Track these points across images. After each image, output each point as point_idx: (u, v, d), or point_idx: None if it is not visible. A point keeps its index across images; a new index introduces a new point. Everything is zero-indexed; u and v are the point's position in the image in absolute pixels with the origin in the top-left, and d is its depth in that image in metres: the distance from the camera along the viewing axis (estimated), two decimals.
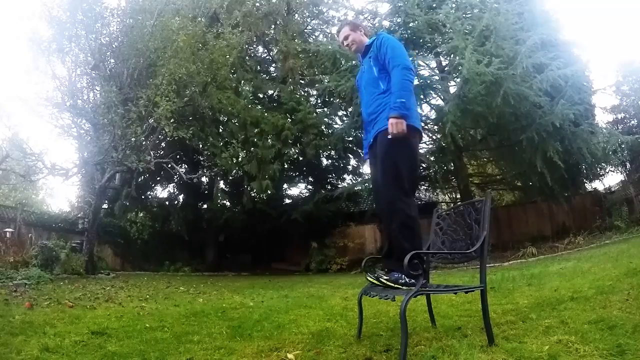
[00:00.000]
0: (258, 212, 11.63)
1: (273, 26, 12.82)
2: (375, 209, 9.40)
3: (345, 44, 2.58)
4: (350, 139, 11.62)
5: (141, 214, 12.62)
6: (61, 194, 39.40)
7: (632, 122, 13.19)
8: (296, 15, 13.55)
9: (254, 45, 13.95)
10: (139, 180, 11.76)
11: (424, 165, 11.03)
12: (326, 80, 10.47)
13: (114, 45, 8.40)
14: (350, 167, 14.05)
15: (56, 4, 7.98)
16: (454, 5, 8.97)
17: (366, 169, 13.52)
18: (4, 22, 30.34)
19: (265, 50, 14.37)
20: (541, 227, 10.71)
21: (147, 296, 4.77)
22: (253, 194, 11.64)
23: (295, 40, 11.92)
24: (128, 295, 4.74)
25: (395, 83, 2.18)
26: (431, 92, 10.02)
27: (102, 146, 7.81)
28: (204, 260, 12.45)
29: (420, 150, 10.39)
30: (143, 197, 12.61)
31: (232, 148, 9.98)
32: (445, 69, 10.25)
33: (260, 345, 2.19)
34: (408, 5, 9.35)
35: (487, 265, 1.92)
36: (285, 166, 12.13)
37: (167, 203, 13.16)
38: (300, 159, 12.31)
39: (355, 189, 12.09)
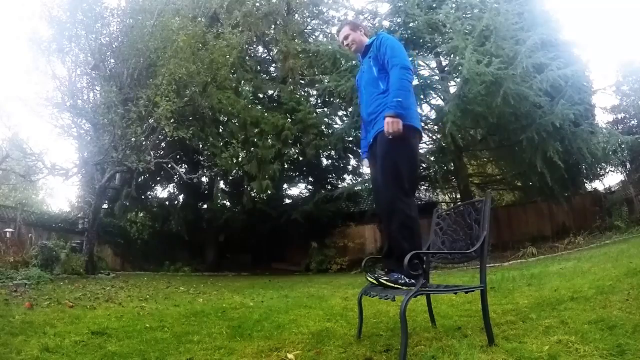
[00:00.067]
0: (258, 212, 11.63)
1: (273, 26, 12.81)
2: (375, 209, 9.41)
3: (345, 44, 2.58)
4: (350, 139, 11.62)
5: (141, 214, 12.62)
6: (61, 194, 39.41)
7: (632, 122, 13.18)
8: (296, 15, 13.54)
9: (254, 45, 13.94)
10: (139, 180, 11.76)
11: (424, 165, 11.03)
12: (326, 80, 10.47)
13: (114, 45, 8.40)
14: (350, 167, 14.06)
15: (56, 4, 7.98)
16: (454, 5, 8.97)
17: (366, 169, 13.50)
18: (4, 22, 30.34)
19: (265, 50, 14.37)
20: (541, 227, 10.71)
21: (147, 296, 4.77)
22: (253, 194, 11.63)
23: (295, 40, 11.91)
24: (128, 295, 4.74)
25: (393, 82, 2.18)
26: (431, 92, 10.02)
27: (102, 146, 7.81)
28: (204, 260, 12.44)
29: (420, 150, 10.39)
30: (143, 197, 12.60)
31: (232, 148, 9.98)
32: (445, 69, 10.25)
33: (260, 345, 2.19)
34: (408, 5, 9.35)
35: (487, 265, 1.92)
36: (285, 166, 12.12)
37: (167, 203, 13.16)
38: (300, 159, 12.30)
39: (355, 189, 12.09)
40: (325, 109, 13.14)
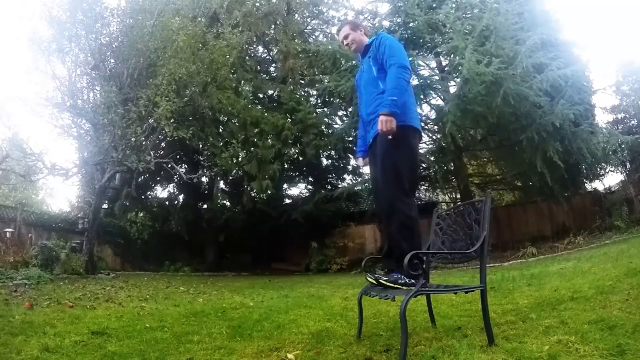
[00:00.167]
0: (258, 212, 11.63)
1: (273, 26, 12.81)
2: (375, 209, 9.40)
3: (345, 43, 2.58)
4: (350, 139, 11.61)
5: (141, 214, 12.62)
6: (61, 194, 39.38)
7: (632, 122, 13.18)
8: (296, 15, 13.54)
9: (254, 45, 13.94)
10: (139, 180, 11.76)
11: (424, 165, 11.03)
12: (326, 80, 10.47)
13: (114, 45, 8.40)
14: (350, 167, 14.04)
15: (56, 4, 7.98)
16: (454, 5, 8.97)
17: (366, 168, 13.50)
18: (4, 22, 30.34)
19: (265, 50, 14.36)
20: (541, 227, 10.71)
21: (147, 296, 4.77)
22: (253, 194, 11.63)
23: (295, 40, 11.91)
24: (128, 295, 4.74)
25: (390, 81, 2.17)
26: (431, 92, 10.02)
27: (102, 146, 7.81)
28: (204, 260, 12.44)
29: (420, 150, 10.40)
30: (143, 197, 12.60)
31: (232, 148, 9.98)
32: (445, 69, 10.25)
33: (260, 345, 2.19)
34: (408, 5, 9.35)
35: (487, 265, 1.92)
36: (285, 166, 12.12)
37: (167, 203, 13.15)
38: (300, 159, 12.30)
39: (355, 189, 12.09)
40: (325, 109, 13.13)
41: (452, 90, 9.41)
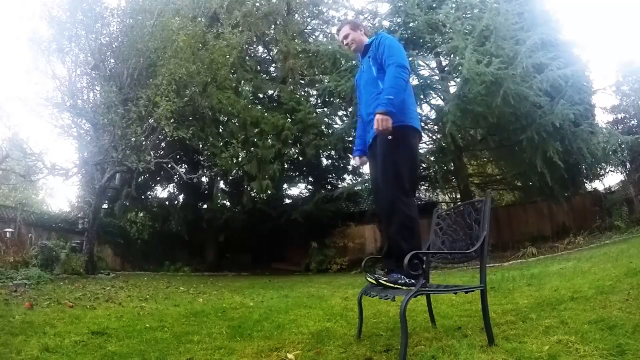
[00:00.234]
0: (258, 212, 11.63)
1: (273, 26, 12.81)
2: (375, 209, 9.40)
3: (345, 43, 2.58)
4: (350, 139, 11.59)
5: (141, 214, 12.62)
6: (61, 194, 39.38)
7: (632, 122, 13.18)
8: (296, 15, 13.55)
9: (254, 45, 13.94)
10: (139, 180, 11.76)
11: (424, 165, 11.02)
12: (326, 80, 10.47)
13: (114, 45, 8.40)
14: (350, 167, 14.04)
15: (56, 4, 7.98)
16: (454, 5, 8.97)
17: (366, 168, 13.53)
18: (4, 22, 30.35)
19: (265, 50, 14.37)
20: (541, 227, 10.70)
21: (147, 296, 4.77)
22: (253, 194, 11.63)
23: (295, 40, 11.91)
24: (128, 295, 4.74)
25: (387, 80, 2.17)
26: (431, 92, 10.02)
27: (102, 146, 7.81)
28: (204, 260, 12.44)
29: (420, 150, 10.40)
30: (143, 197, 12.60)
31: (232, 148, 9.98)
32: (445, 69, 10.25)
33: (260, 345, 2.19)
34: (408, 5, 9.35)
35: (487, 265, 1.92)
36: (285, 166, 12.12)
37: (167, 203, 13.15)
38: (300, 159, 12.30)
39: (355, 189, 12.09)
40: (325, 109, 13.14)
41: (452, 90, 9.41)
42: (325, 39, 13.42)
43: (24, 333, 2.44)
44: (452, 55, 9.38)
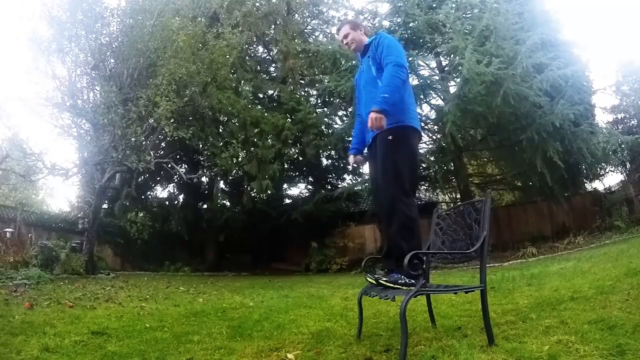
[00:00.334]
0: (258, 212, 11.63)
1: (273, 26, 12.81)
2: (375, 209, 9.40)
3: (344, 43, 2.58)
4: (350, 139, 11.54)
5: (141, 214, 12.62)
6: (61, 194, 39.38)
7: (632, 122, 13.18)
8: (296, 15, 13.54)
9: (254, 45, 13.94)
10: (139, 180, 11.75)
11: (424, 165, 11.02)
12: (326, 80, 10.47)
13: (114, 45, 8.40)
14: (350, 167, 14.03)
15: (56, 4, 7.98)
16: (454, 5, 8.97)
17: (365, 168, 13.53)
18: (4, 22, 30.35)
19: (265, 50, 14.36)
20: (541, 227, 10.70)
21: (147, 296, 4.77)
22: (253, 194, 11.63)
23: (295, 40, 11.91)
24: (128, 295, 4.74)
25: (384, 78, 2.17)
26: (431, 92, 10.02)
27: (102, 146, 7.81)
28: (204, 260, 12.44)
29: (420, 150, 10.40)
30: (143, 197, 12.60)
31: (232, 148, 9.97)
32: (445, 69, 10.25)
33: (260, 345, 2.19)
34: (408, 5, 9.35)
35: (487, 265, 1.92)
36: (285, 166, 12.12)
37: (167, 203, 13.15)
38: (300, 159, 12.30)
39: (355, 189, 12.09)
40: (325, 109, 13.13)
41: (452, 90, 9.41)
42: (325, 39, 13.42)
43: (24, 333, 2.44)
44: (452, 55, 9.38)
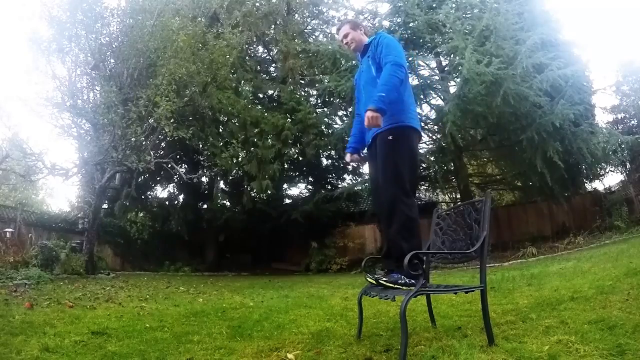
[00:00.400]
0: (258, 212, 11.63)
1: (273, 26, 12.81)
2: (375, 209, 9.40)
3: (344, 42, 2.57)
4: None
5: (141, 214, 12.62)
6: (61, 194, 39.39)
7: (632, 122, 13.17)
8: (296, 15, 13.55)
9: (254, 45, 13.94)
10: (139, 180, 11.75)
11: (424, 165, 11.02)
12: (326, 80, 10.47)
13: (114, 45, 8.40)
14: (350, 167, 14.04)
15: (56, 4, 7.98)
16: (454, 5, 8.97)
17: (366, 168, 13.54)
18: (4, 22, 30.35)
19: (265, 50, 14.37)
20: (541, 227, 10.70)
21: (147, 296, 4.77)
22: (253, 194, 11.63)
23: (295, 40, 11.91)
24: (128, 295, 4.74)
25: (382, 78, 2.17)
26: (431, 92, 10.03)
27: (102, 146, 7.81)
28: (204, 260, 12.44)
29: (420, 150, 10.40)
30: (143, 197, 12.60)
31: (232, 148, 9.98)
32: (445, 69, 10.25)
33: (260, 345, 2.19)
34: (408, 5, 9.35)
35: (487, 265, 1.92)
36: (285, 166, 12.12)
37: (167, 203, 13.14)
38: (300, 159, 12.30)
39: (355, 189, 12.09)
40: (325, 109, 13.13)
41: (452, 90, 9.41)
42: (325, 39, 13.42)
43: (24, 333, 2.44)
44: (452, 55, 9.38)
